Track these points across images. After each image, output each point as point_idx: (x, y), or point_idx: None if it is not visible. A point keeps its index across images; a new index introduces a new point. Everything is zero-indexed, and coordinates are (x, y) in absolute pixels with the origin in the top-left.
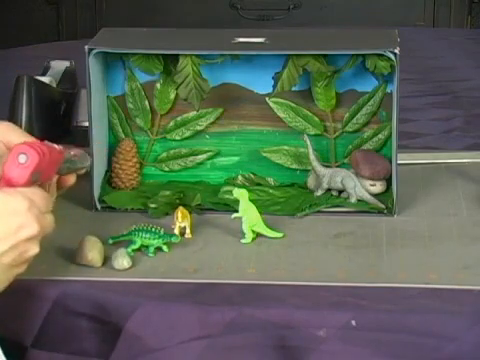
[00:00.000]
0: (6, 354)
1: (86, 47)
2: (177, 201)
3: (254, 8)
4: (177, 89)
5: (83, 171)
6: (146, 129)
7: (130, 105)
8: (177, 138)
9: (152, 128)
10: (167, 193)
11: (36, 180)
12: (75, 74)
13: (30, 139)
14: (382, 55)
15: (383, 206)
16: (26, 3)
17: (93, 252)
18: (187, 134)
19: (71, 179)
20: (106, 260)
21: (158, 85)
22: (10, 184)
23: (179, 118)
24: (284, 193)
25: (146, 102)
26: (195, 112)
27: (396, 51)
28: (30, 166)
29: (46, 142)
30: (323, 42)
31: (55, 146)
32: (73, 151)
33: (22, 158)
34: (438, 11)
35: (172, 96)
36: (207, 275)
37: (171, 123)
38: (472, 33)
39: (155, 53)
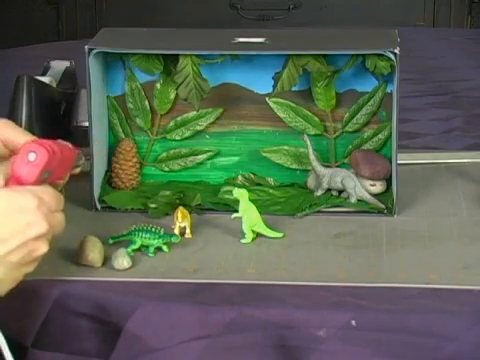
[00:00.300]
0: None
1: (86, 47)
2: (177, 201)
3: (254, 8)
4: (177, 89)
5: (77, 170)
6: (146, 129)
7: (130, 105)
8: (177, 138)
9: (152, 128)
10: (167, 193)
11: (46, 178)
12: (75, 74)
13: (28, 137)
14: (382, 55)
15: (383, 206)
16: (26, 3)
17: (93, 252)
18: (187, 134)
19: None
20: (106, 260)
21: (158, 85)
22: (19, 182)
23: (179, 118)
24: (284, 193)
25: (146, 102)
26: (195, 112)
27: (396, 51)
28: (39, 164)
29: (59, 141)
30: (323, 42)
31: (68, 145)
32: None
33: (32, 156)
34: (438, 11)
35: (172, 96)
36: (207, 275)
37: (171, 123)
38: (472, 33)
39: (155, 53)
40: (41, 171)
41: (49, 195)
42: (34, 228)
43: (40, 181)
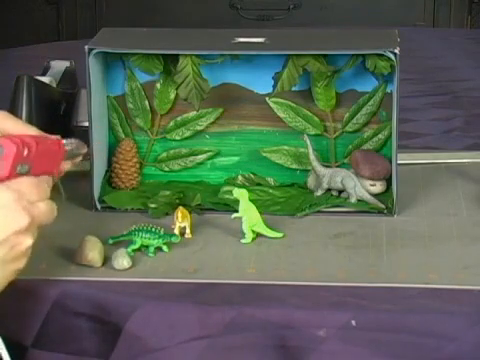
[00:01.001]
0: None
1: (86, 47)
2: (177, 201)
3: (254, 8)
4: (177, 89)
5: (79, 159)
6: (146, 129)
7: (130, 105)
8: (177, 138)
9: (152, 128)
10: (167, 193)
11: (25, 172)
12: (75, 74)
13: (28, 128)
14: (382, 55)
15: (383, 206)
16: (26, 3)
17: (93, 252)
18: (187, 134)
19: (65, 166)
20: (106, 260)
21: (158, 85)
22: None
23: (179, 118)
24: (284, 193)
25: (146, 102)
26: (195, 112)
27: (396, 51)
28: (8, 157)
29: (40, 134)
30: (323, 42)
31: (50, 137)
32: (69, 140)
33: None
34: (438, 11)
35: (172, 96)
36: (207, 275)
37: (171, 123)
38: (472, 33)
39: (155, 53)
40: (12, 164)
41: (27, 185)
42: (14, 222)
43: (15, 175)
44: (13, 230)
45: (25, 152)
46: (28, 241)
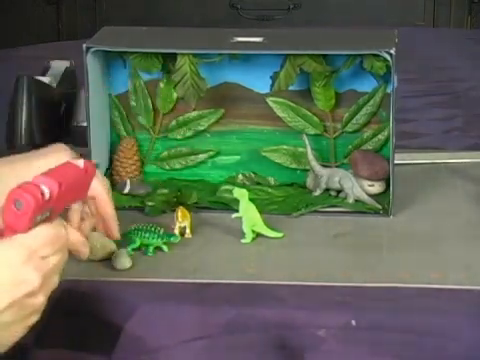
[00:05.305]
0: (7, 354)
1: (84, 45)
2: (174, 199)
3: (254, 8)
4: (175, 87)
5: None
6: (148, 127)
7: (133, 103)
8: (178, 137)
9: (154, 127)
10: (165, 191)
11: (46, 218)
12: (75, 74)
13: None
14: (378, 55)
15: (379, 207)
16: (26, 3)
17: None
18: (188, 134)
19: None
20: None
21: (161, 84)
22: (14, 231)
23: (181, 118)
24: (283, 193)
25: (149, 100)
26: (196, 112)
27: (392, 52)
28: (26, 212)
29: (69, 163)
30: (320, 42)
31: (77, 166)
32: None
33: (17, 204)
34: (438, 11)
35: (175, 96)
36: (207, 275)
37: (173, 122)
38: (472, 33)
39: (152, 51)
40: (31, 218)
41: (41, 240)
42: (22, 286)
43: (34, 225)
44: (22, 293)
45: (47, 196)
46: (40, 299)
